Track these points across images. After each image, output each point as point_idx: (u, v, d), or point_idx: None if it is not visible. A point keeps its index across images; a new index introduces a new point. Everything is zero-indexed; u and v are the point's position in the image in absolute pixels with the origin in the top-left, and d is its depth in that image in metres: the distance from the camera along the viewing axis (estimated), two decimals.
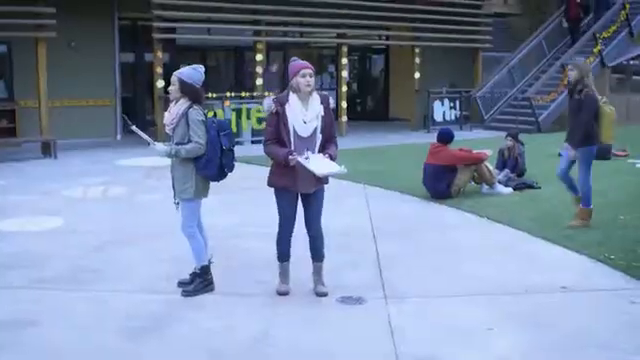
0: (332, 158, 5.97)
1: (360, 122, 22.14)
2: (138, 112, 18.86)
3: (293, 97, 5.98)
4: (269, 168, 6.15)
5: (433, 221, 9.25)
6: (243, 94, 17.70)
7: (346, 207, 9.56)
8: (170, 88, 6.16)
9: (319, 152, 6.00)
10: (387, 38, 22.61)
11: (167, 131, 6.25)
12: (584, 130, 8.16)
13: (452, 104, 21.27)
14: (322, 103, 6.07)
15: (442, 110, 21.11)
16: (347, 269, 7.01)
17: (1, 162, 14.37)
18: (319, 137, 6.04)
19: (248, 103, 17.33)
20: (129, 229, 8.64)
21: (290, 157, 5.83)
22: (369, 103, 25.88)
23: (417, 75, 21.13)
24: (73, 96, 17.10)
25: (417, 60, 21.24)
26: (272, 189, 6.17)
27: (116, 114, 18.39)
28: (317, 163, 5.86)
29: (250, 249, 7.68)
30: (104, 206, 10.12)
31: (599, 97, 8.58)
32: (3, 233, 8.46)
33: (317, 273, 6.33)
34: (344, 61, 20.01)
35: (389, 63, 24.84)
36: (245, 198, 10.00)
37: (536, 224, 8.66)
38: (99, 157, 14.97)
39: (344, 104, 20.00)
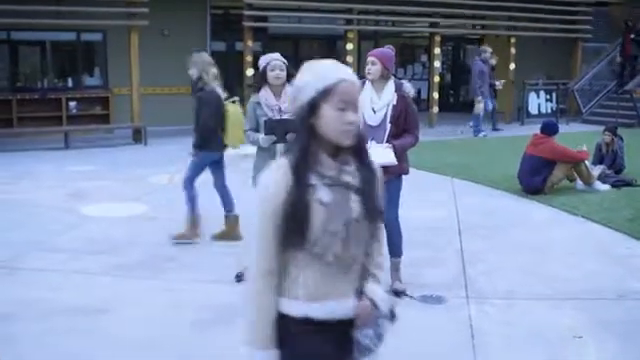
0: (395, 148, 5.68)
1: (452, 113, 21.66)
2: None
3: (367, 85, 5.77)
4: None
5: (523, 217, 8.84)
6: None
7: (432, 200, 9.28)
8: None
9: (387, 142, 5.75)
10: (482, 27, 21.97)
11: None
12: None
13: (548, 96, 20.54)
14: (396, 91, 5.82)
15: (537, 102, 20.42)
16: (428, 266, 6.73)
17: (94, 147, 14.66)
18: (388, 127, 5.79)
19: None
20: (211, 217, 8.54)
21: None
22: (462, 94, 25.31)
23: (512, 66, 20.48)
24: (165, 84, 17.26)
25: (513, 50, 20.57)
26: None
27: None
28: (372, 153, 5.61)
29: None
30: None
31: None
32: (85, 217, 8.53)
33: (394, 269, 6.07)
34: (437, 51, 19.56)
35: None
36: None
37: (635, 225, 8.14)
38: (189, 144, 14.98)
39: (435, 95, 19.58)
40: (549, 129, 9.95)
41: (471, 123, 17.80)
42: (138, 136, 15.47)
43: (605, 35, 21.80)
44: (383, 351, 2.60)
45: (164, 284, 6.21)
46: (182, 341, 5.01)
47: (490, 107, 17.93)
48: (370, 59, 5.79)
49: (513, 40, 20.50)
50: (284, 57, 5.99)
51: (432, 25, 19.50)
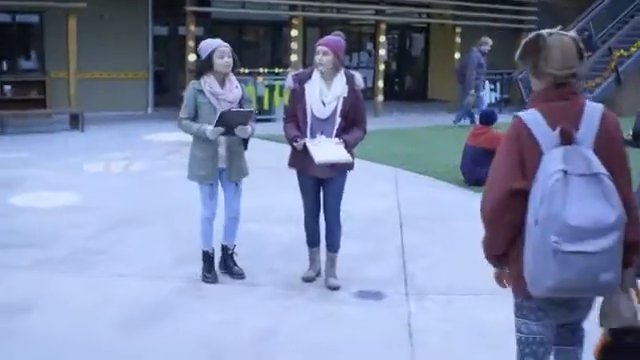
0: (347, 144, 5.49)
1: (397, 102, 21.57)
2: (171, 86, 18.57)
3: (316, 75, 5.55)
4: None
5: (467, 209, 8.63)
6: (277, 70, 17.23)
7: (374, 191, 9.09)
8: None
9: (336, 136, 5.54)
10: (427, 16, 21.89)
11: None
12: None
13: (492, 86, 20.56)
14: (347, 83, 5.59)
15: (482, 92, 20.37)
16: (368, 260, 6.56)
17: (30, 133, 14.14)
18: (338, 120, 5.58)
19: (282, 80, 16.85)
20: (144, 208, 8.25)
21: (295, 143, 5.49)
22: (407, 83, 25.23)
23: (457, 55, 20.45)
24: (105, 69, 16.77)
25: (458, 40, 20.54)
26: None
27: (148, 87, 18.10)
28: (324, 149, 5.43)
29: (264, 234, 7.23)
30: (123, 182, 9.73)
31: None
32: (12, 207, 8.15)
33: (330, 264, 5.88)
34: (382, 39, 19.41)
35: (429, 42, 24.17)
36: (267, 179, 9.55)
37: None
38: (127, 131, 14.62)
39: (381, 83, 19.44)
40: (487, 119, 9.98)
41: (455, 114, 17.15)
42: (75, 122, 14.97)
43: (549, 26, 21.71)
44: (317, 349, 2.39)
45: (92, 280, 5.92)
46: (109, 341, 4.75)
47: (486, 103, 17.17)
48: (321, 48, 5.51)
49: (458, 29, 20.46)
50: (227, 42, 5.73)
51: (378, 13, 19.34)
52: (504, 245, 2.98)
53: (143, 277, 6.00)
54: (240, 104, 5.69)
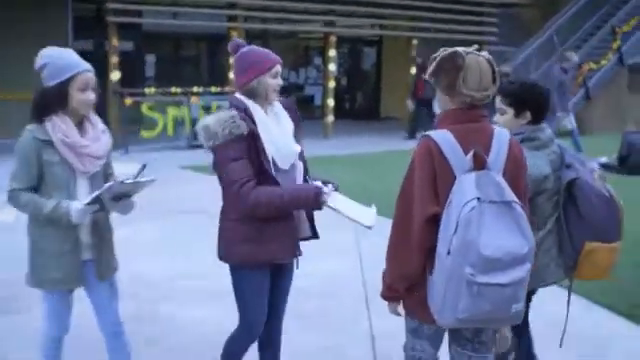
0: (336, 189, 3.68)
1: (348, 121, 19.80)
2: (97, 109, 16.41)
3: (256, 108, 3.59)
4: (227, 225, 3.66)
5: None
6: (213, 89, 15.25)
7: (327, 246, 6.99)
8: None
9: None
10: (380, 28, 20.12)
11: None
12: None
13: None
14: (288, 110, 3.80)
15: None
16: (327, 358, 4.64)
17: None
18: (300, 165, 3.75)
19: (219, 99, 14.91)
20: None
21: (325, 194, 3.48)
22: (358, 100, 23.49)
23: (414, 70, 18.75)
24: (17, 88, 14.64)
25: (414, 53, 18.84)
26: (231, 262, 3.72)
27: None
28: (346, 206, 3.60)
29: (185, 322, 5.29)
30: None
31: None
32: None
33: None
34: (332, 53, 17.58)
35: (381, 57, 22.47)
36: (192, 230, 7.61)
37: None
38: None
39: (331, 102, 17.61)
40: None
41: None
42: None
43: (510, 38, 20.36)
44: None
45: None
46: None
47: (573, 125, 13.94)
48: (280, 69, 3.66)
49: (415, 42, 18.74)
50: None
51: (327, 24, 17.51)
52: (420, 273, 2.85)
53: None
54: (107, 162, 3.76)
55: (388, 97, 21.88)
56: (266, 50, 3.67)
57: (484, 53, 2.90)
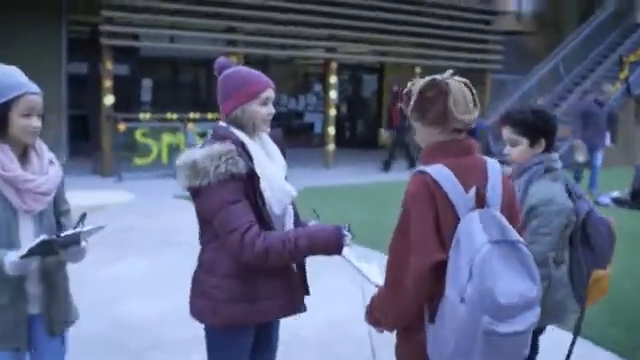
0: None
1: (348, 150, 19.28)
2: (91, 133, 15.96)
3: (246, 139, 3.04)
4: (213, 282, 3.06)
5: None
6: (210, 116, 14.73)
7: (328, 291, 6.32)
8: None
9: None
10: (382, 55, 19.67)
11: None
12: None
13: None
14: (276, 142, 3.26)
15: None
16: None
17: None
18: (291, 209, 3.21)
19: None
20: None
21: (347, 237, 2.97)
22: (359, 128, 23.02)
23: None
24: None
25: None
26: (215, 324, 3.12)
27: (61, 134, 15.50)
28: (356, 256, 3.09)
29: None
30: None
31: None
32: None
33: None
34: (333, 80, 17.11)
35: (383, 84, 22.03)
36: (180, 262, 6.99)
37: None
38: None
39: (332, 130, 17.10)
40: None
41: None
42: None
43: (515, 66, 19.94)
44: None
45: None
46: None
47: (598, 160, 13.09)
48: (272, 91, 3.12)
49: (419, 70, 18.28)
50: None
51: (328, 50, 17.06)
52: (410, 319, 2.63)
53: None
54: (59, 196, 3.17)
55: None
56: (255, 72, 3.11)
57: (462, 79, 2.70)
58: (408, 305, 2.59)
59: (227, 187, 2.87)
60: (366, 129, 22.84)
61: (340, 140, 18.60)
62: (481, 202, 2.55)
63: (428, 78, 2.66)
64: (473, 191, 2.55)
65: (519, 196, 3.33)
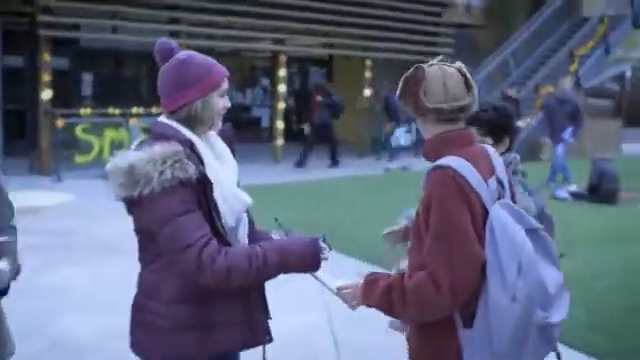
0: None
1: (297, 144, 18.78)
2: (28, 130, 15.21)
3: (194, 138, 2.55)
4: (155, 308, 2.55)
5: None
6: (155, 110, 14.15)
7: (288, 299, 5.83)
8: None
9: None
10: (331, 47, 19.24)
11: None
12: None
13: (407, 127, 18.10)
14: (226, 139, 2.75)
15: (397, 133, 17.94)
16: None
17: None
18: (246, 218, 2.72)
19: None
20: None
21: (325, 250, 2.57)
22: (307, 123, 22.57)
23: (368, 92, 17.95)
24: None
25: (368, 74, 18.03)
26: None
27: None
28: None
29: None
30: None
31: None
32: None
33: None
34: (282, 73, 16.66)
35: (332, 77, 21.63)
36: (125, 271, 6.48)
37: None
38: None
39: (280, 124, 16.67)
40: None
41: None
42: None
43: (465, 59, 19.74)
44: None
45: None
46: None
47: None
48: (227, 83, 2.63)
49: (369, 62, 17.92)
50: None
51: (276, 42, 16.58)
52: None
53: None
54: None
55: (339, 119, 21.06)
56: (210, 59, 2.61)
57: (456, 64, 2.55)
58: (451, 308, 2.36)
59: (175, 196, 2.37)
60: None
61: (288, 134, 18.14)
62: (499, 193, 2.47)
63: (414, 67, 2.47)
64: (494, 182, 2.44)
65: None
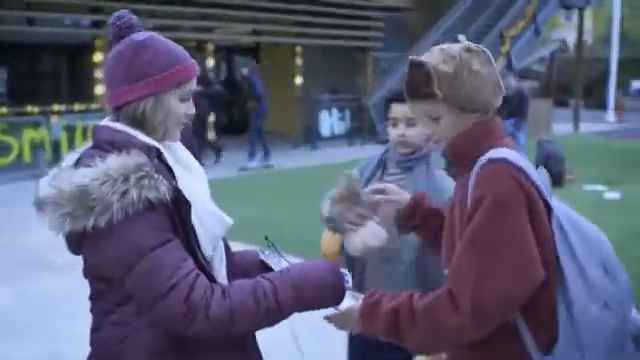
0: None
1: (227, 137, 18.15)
2: None
3: (158, 146, 1.95)
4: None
5: None
6: (77, 107, 13.38)
7: None
8: None
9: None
10: (257, 34, 18.69)
11: None
12: None
13: (341, 114, 17.71)
14: (186, 147, 2.16)
15: (330, 122, 17.57)
16: None
17: None
18: (221, 244, 2.10)
19: (84, 119, 13.09)
20: None
21: (346, 278, 2.05)
22: (235, 114, 21.89)
23: (299, 80, 17.48)
24: None
25: (299, 61, 17.56)
26: None
27: None
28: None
29: None
30: None
31: None
32: None
33: None
34: (210, 63, 16.06)
35: (259, 65, 21.10)
36: (56, 291, 5.85)
37: None
38: None
39: (211, 117, 16.05)
40: None
41: None
42: None
43: (396, 44, 19.47)
44: None
45: None
46: None
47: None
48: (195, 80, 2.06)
49: (299, 49, 17.44)
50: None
51: (203, 31, 15.96)
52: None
53: None
54: None
55: (270, 110, 20.52)
56: (180, 48, 2.04)
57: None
58: (472, 333, 1.92)
59: (144, 223, 1.81)
60: (242, 114, 21.77)
61: (217, 127, 17.49)
62: None
63: (439, 49, 2.04)
64: (545, 175, 2.07)
65: (423, 183, 2.88)
